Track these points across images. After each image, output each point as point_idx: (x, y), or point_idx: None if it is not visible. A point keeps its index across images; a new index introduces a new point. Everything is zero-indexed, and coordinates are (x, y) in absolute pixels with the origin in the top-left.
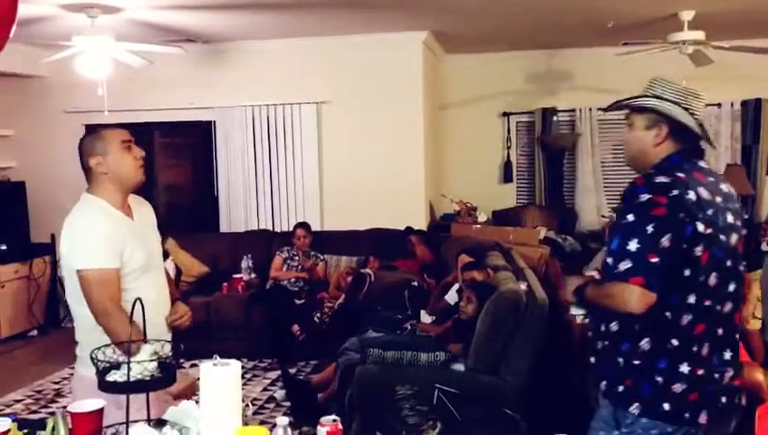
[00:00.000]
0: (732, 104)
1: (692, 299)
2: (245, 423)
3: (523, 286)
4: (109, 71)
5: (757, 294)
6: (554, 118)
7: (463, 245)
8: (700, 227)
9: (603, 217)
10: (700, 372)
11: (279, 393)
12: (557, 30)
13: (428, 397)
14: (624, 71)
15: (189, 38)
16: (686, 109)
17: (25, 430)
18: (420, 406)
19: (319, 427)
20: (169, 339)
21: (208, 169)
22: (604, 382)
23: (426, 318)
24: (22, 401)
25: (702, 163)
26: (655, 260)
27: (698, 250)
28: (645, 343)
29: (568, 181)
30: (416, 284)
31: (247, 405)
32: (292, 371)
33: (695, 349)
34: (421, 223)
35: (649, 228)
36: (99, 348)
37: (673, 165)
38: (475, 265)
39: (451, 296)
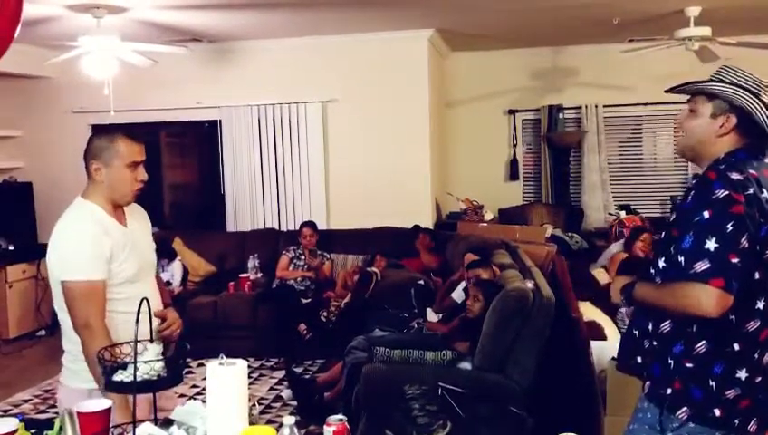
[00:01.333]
0: None
1: (761, 304)
2: (252, 423)
3: (529, 285)
4: (115, 71)
5: None
6: (560, 115)
7: (469, 243)
8: None
9: (610, 214)
10: (758, 379)
11: (286, 392)
12: (562, 27)
13: (437, 396)
14: (630, 67)
15: (195, 38)
16: (757, 97)
17: (33, 430)
18: (430, 406)
19: (326, 426)
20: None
21: (214, 168)
22: (648, 383)
23: (432, 317)
24: (30, 400)
25: (767, 161)
26: (736, 261)
27: None
28: (701, 346)
29: (574, 179)
30: (422, 282)
31: (254, 404)
32: (299, 370)
33: (756, 355)
34: (427, 221)
35: (729, 227)
36: (105, 348)
37: (741, 160)
38: (480, 262)
39: (458, 295)
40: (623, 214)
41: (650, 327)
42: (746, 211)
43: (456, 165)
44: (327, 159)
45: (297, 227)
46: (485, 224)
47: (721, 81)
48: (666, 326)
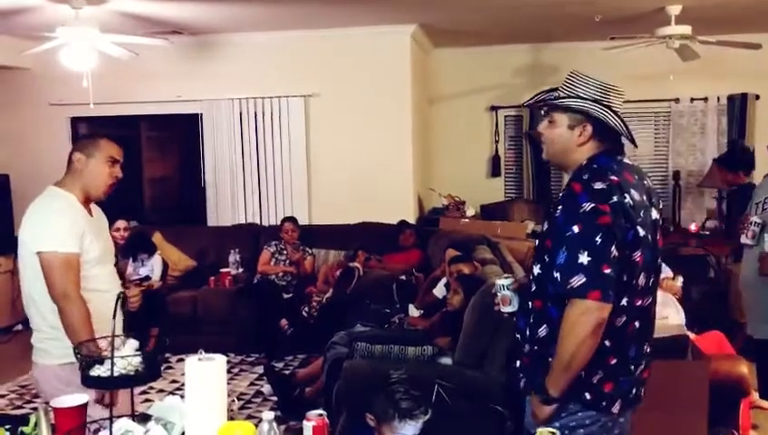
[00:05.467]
0: (718, 99)
1: (624, 301)
2: (231, 418)
3: None
4: (94, 63)
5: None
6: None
7: (451, 239)
8: (641, 231)
9: None
10: (613, 361)
11: (266, 388)
12: (545, 24)
13: (420, 385)
14: (612, 65)
15: (176, 30)
16: (607, 106)
17: (7, 426)
18: (414, 391)
19: (305, 421)
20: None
21: (195, 162)
22: (524, 380)
23: (414, 312)
24: (6, 396)
25: (627, 160)
26: (608, 271)
27: (637, 255)
28: None
29: (555, 175)
30: (404, 278)
31: (233, 400)
32: (280, 365)
33: (624, 346)
34: (410, 217)
35: (598, 239)
36: (81, 343)
37: (603, 167)
38: (461, 258)
39: (439, 290)
40: None
41: (528, 332)
42: (613, 220)
43: (438, 161)
44: (309, 154)
45: (278, 222)
46: (467, 220)
47: (569, 96)
48: (542, 331)
